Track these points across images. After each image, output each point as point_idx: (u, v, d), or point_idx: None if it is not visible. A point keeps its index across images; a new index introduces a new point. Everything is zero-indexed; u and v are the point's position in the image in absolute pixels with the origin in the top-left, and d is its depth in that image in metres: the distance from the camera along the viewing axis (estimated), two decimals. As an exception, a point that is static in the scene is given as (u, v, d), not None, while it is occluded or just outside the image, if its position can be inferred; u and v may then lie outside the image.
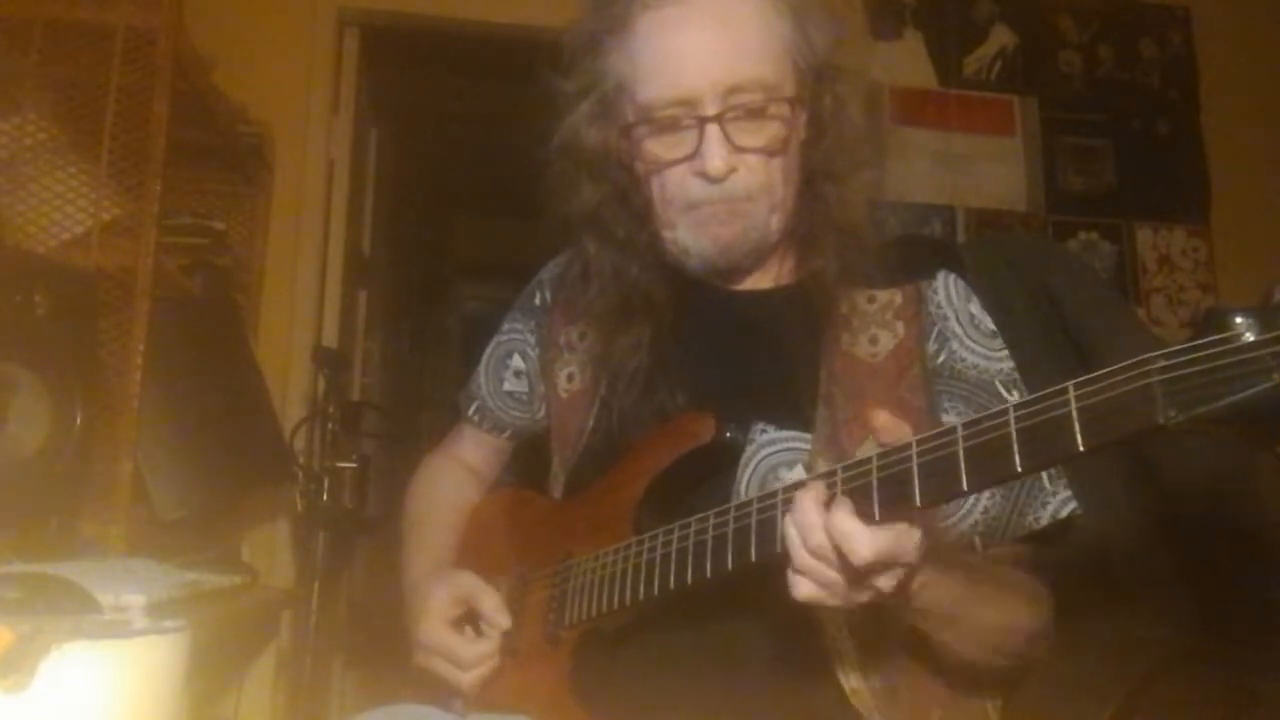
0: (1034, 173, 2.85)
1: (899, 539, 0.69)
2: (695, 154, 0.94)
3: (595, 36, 1.00)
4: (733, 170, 0.94)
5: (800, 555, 0.72)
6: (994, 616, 0.85)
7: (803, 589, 0.72)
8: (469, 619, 1.02)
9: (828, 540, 0.70)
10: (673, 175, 0.96)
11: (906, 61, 2.85)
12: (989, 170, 2.83)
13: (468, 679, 1.00)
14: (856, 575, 0.70)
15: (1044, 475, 0.92)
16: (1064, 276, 1.12)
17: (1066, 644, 0.94)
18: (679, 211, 0.97)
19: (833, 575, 0.71)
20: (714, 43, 0.94)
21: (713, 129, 0.93)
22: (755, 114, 0.94)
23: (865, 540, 0.68)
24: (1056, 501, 0.92)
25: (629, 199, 1.03)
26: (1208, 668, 1.04)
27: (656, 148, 0.97)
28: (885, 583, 0.71)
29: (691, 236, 0.98)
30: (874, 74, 2.67)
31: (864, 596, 0.72)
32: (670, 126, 0.95)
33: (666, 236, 1.00)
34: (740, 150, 0.94)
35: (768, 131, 0.95)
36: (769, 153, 0.95)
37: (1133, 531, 1.06)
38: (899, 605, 0.78)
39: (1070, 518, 0.92)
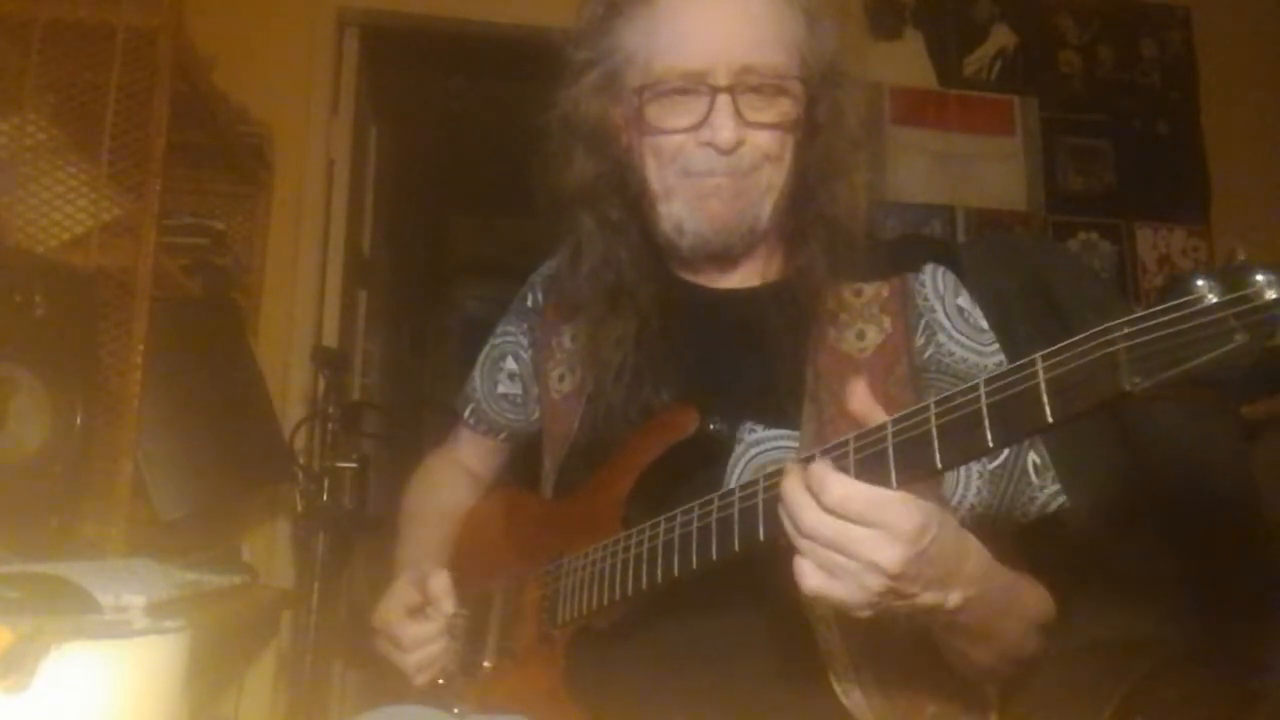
0: (1034, 173, 2.85)
1: (884, 497, 0.68)
2: (703, 123, 0.94)
3: (613, 6, 1.00)
4: (740, 143, 0.94)
5: (797, 540, 0.70)
6: (1017, 626, 0.85)
7: (808, 578, 0.70)
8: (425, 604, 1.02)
9: (821, 515, 0.69)
10: (672, 141, 0.97)
11: (906, 61, 2.85)
12: (989, 170, 2.84)
13: (410, 661, 0.99)
14: (852, 549, 0.69)
15: (1031, 469, 0.92)
16: (1062, 276, 1.12)
17: (1066, 644, 0.94)
18: (675, 176, 0.97)
19: (835, 557, 0.69)
20: (732, 24, 0.95)
21: (724, 98, 0.93)
22: (765, 92, 0.95)
23: (836, 480, 0.68)
24: (1045, 495, 0.92)
25: (625, 181, 1.03)
26: (1208, 668, 1.04)
27: (662, 114, 0.97)
28: (885, 557, 0.68)
29: (688, 211, 0.98)
30: (874, 79, 2.67)
31: (873, 581, 0.69)
32: (679, 93, 0.95)
33: (661, 211, 0.99)
34: (748, 125, 0.94)
35: (777, 108, 0.96)
36: (777, 128, 0.96)
37: (1132, 531, 1.06)
38: (936, 621, 0.77)
39: (1059, 512, 0.92)
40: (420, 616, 1.00)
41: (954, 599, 0.74)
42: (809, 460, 0.74)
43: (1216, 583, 1.04)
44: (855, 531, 0.68)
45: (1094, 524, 0.99)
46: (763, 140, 0.96)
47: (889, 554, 0.68)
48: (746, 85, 0.94)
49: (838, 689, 0.87)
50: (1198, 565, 1.04)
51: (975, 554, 0.76)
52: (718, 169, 0.95)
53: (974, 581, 0.75)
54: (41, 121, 1.64)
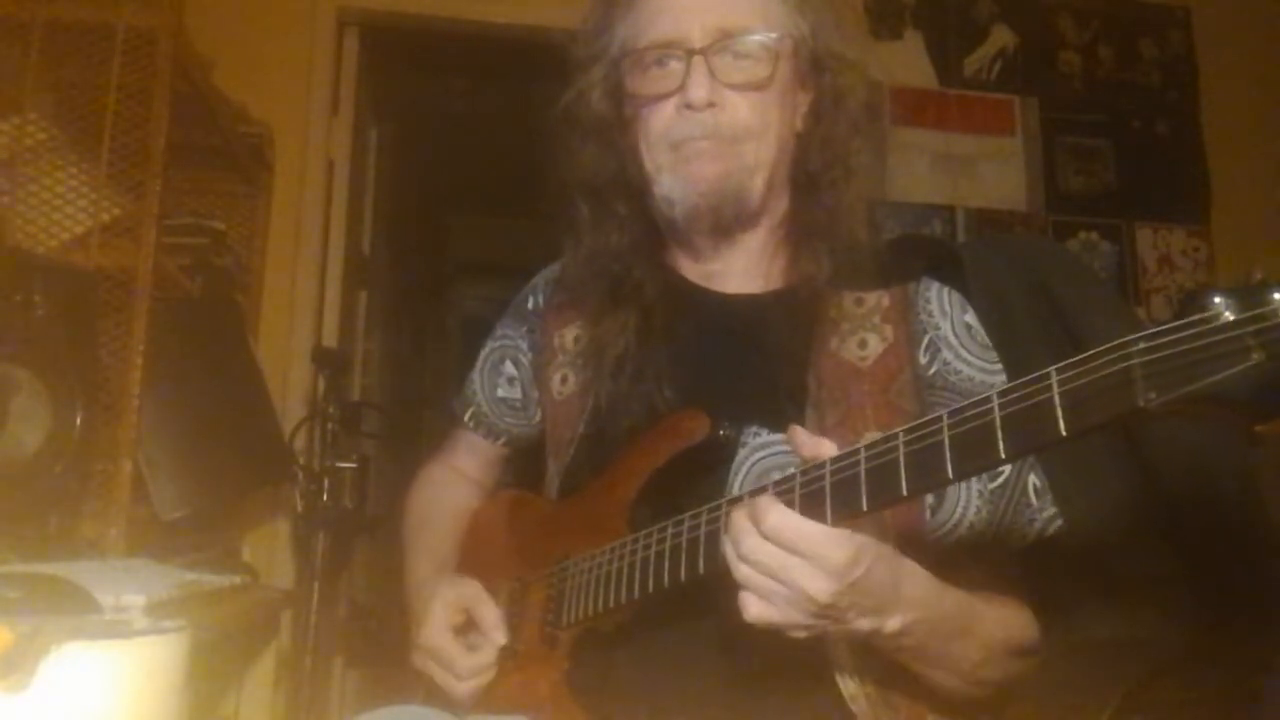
0: (1034, 173, 2.85)
1: (812, 530, 0.71)
2: (681, 86, 0.97)
3: (610, 3, 1.04)
4: (713, 104, 0.97)
5: (735, 565, 0.74)
6: (975, 650, 0.85)
7: (749, 606, 0.74)
8: (470, 626, 1.02)
9: (759, 541, 0.72)
10: (658, 112, 0.99)
11: (906, 61, 2.85)
12: (989, 170, 2.83)
13: (462, 689, 1.00)
14: (784, 576, 0.72)
15: (1030, 490, 0.93)
16: (1063, 276, 1.12)
17: (1065, 644, 0.94)
18: (663, 151, 1.00)
19: (769, 583, 0.73)
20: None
21: (698, 60, 0.97)
22: (739, 54, 0.98)
23: (774, 510, 0.71)
24: (1043, 519, 0.92)
25: (627, 174, 1.05)
26: (1208, 668, 1.04)
27: (644, 82, 1.00)
28: (815, 588, 0.72)
29: (675, 180, 0.99)
30: (874, 73, 2.67)
31: (805, 608, 0.73)
32: (659, 62, 0.99)
33: (656, 193, 1.01)
34: (726, 86, 0.97)
35: (751, 72, 0.98)
36: (753, 88, 0.98)
37: (1131, 531, 1.06)
38: (880, 645, 0.80)
39: (1056, 536, 0.92)
40: (475, 648, 1.00)
41: (892, 624, 0.77)
42: (818, 467, 0.75)
43: (1217, 583, 1.04)
44: (787, 560, 0.72)
45: (1095, 525, 0.99)
46: (743, 112, 0.98)
47: (818, 585, 0.72)
48: (722, 48, 0.97)
49: (843, 692, 0.87)
50: (1198, 565, 1.04)
51: (911, 579, 0.79)
52: (697, 132, 0.97)
53: (914, 606, 0.78)
54: (41, 121, 1.64)
